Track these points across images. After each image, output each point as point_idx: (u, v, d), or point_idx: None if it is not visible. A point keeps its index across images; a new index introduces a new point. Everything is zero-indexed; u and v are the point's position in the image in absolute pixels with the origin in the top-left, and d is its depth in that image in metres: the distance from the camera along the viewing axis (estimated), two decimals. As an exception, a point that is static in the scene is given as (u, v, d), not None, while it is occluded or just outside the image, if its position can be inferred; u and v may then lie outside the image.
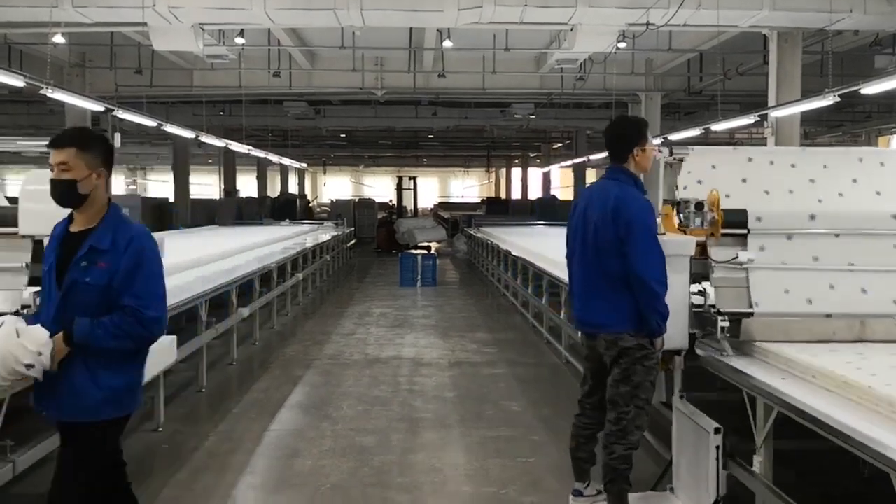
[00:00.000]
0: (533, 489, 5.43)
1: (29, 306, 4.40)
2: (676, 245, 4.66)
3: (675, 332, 4.53)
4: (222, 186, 32.11)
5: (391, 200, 34.93)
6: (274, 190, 40.49)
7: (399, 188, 32.20)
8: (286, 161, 31.28)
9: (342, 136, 35.69)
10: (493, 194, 52.39)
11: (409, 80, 18.10)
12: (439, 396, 7.93)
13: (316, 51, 17.76)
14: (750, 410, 4.24)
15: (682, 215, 4.98)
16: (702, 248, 4.84)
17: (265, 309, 11.41)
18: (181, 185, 26.70)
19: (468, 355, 10.00)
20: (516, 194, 47.77)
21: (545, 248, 12.76)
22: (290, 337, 11.31)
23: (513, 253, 13.71)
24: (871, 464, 3.17)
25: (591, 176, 44.04)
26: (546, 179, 43.94)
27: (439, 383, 8.49)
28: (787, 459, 4.45)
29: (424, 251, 21.12)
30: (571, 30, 12.16)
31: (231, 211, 27.42)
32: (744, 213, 4.91)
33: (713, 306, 4.74)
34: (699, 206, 4.86)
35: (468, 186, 58.36)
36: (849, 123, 27.27)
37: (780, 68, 12.79)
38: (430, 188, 55.42)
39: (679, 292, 4.55)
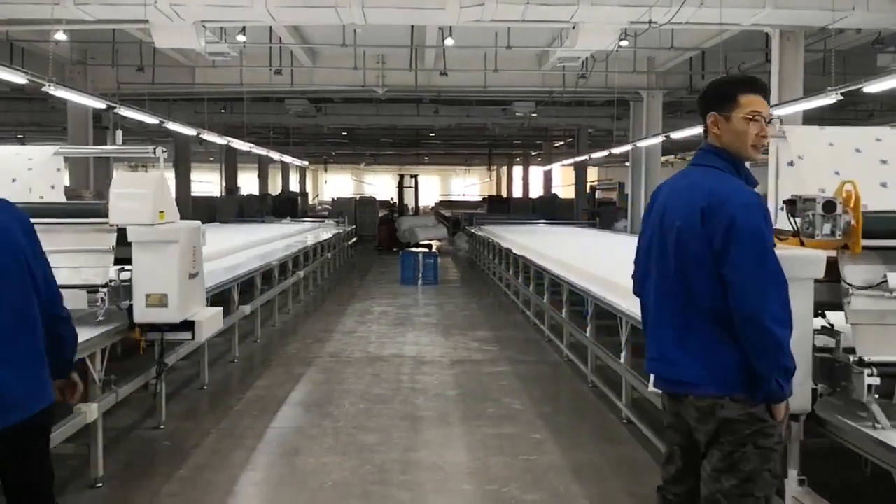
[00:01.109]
0: (535, 487, 5.42)
1: (114, 280, 5.62)
2: (798, 263, 3.36)
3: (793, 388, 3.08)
4: (223, 184, 32.12)
5: (392, 198, 34.93)
6: (275, 188, 40.51)
7: (400, 186, 32.21)
8: (287, 159, 31.28)
9: (343, 133, 35.69)
10: (494, 193, 52.39)
11: (411, 78, 18.10)
12: (441, 394, 7.93)
13: (317, 48, 17.76)
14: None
15: (799, 219, 3.69)
16: (831, 267, 3.55)
17: (267, 306, 11.41)
18: (182, 182, 26.72)
19: (469, 353, 10.00)
20: (517, 193, 47.78)
21: (546, 246, 12.79)
22: (292, 334, 11.31)
23: (514, 251, 13.72)
24: None
25: (593, 174, 44.13)
26: (547, 178, 43.94)
27: (441, 381, 8.48)
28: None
29: (425, 249, 21.09)
30: (573, 28, 12.14)
31: (232, 208, 27.44)
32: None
33: (850, 351, 3.51)
34: (829, 205, 3.50)
35: (469, 185, 58.41)
36: (851, 122, 27.20)
37: (782, 67, 12.78)
38: (432, 186, 55.43)
39: (799, 330, 3.13)
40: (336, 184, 56.99)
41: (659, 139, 18.66)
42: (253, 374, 8.82)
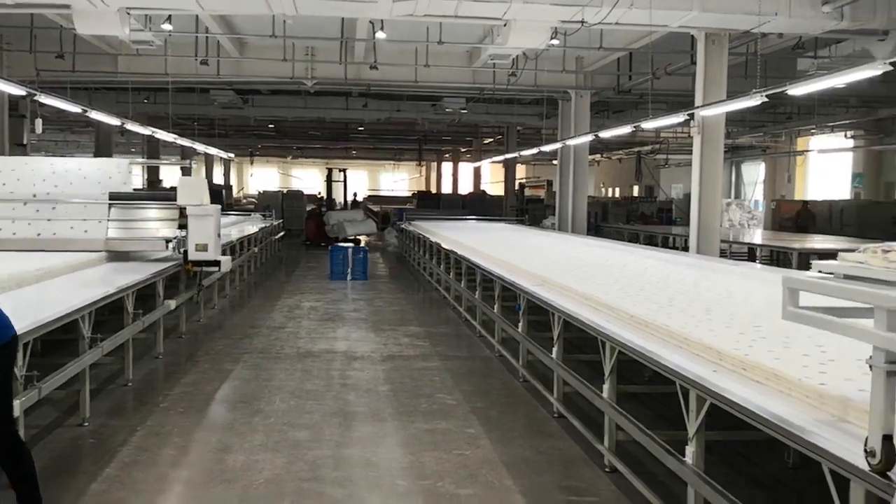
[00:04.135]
0: (469, 482, 5.43)
1: (177, 237, 9.50)
2: None
3: None
4: (145, 176, 31.33)
5: (320, 192, 34.62)
6: (199, 180, 39.62)
7: (329, 180, 31.93)
8: (212, 151, 30.66)
9: (270, 126, 35.26)
10: (423, 188, 52.40)
11: (341, 70, 17.97)
12: (373, 390, 7.89)
13: (245, 39, 17.46)
14: (683, 403, 4.31)
15: None
16: None
17: (192, 301, 11.18)
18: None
19: (401, 349, 9.97)
20: (447, 189, 47.90)
21: (477, 242, 12.86)
22: (218, 330, 11.11)
23: (444, 246, 13.74)
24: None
25: (522, 172, 44.56)
26: (477, 174, 44.20)
27: (373, 377, 8.44)
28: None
29: (354, 244, 20.96)
30: (505, 25, 12.21)
31: (155, 201, 26.68)
32: None
33: None
34: None
35: (398, 180, 58.31)
36: (770, 124, 28.08)
37: (707, 69, 13.08)
38: (360, 181, 55.11)
39: None
40: (262, 177, 56.24)
41: (587, 138, 18.95)
42: (179, 370, 8.62)
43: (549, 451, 6.10)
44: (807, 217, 23.71)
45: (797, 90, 9.29)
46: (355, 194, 38.20)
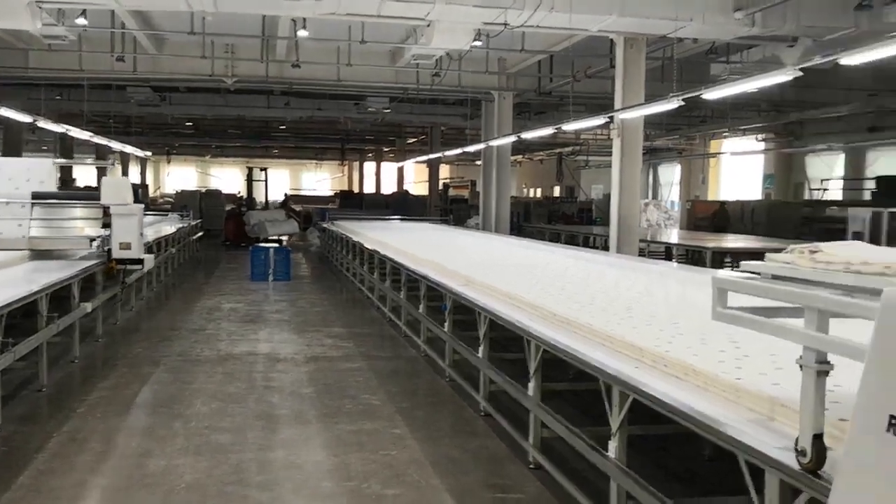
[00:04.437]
0: (396, 482, 5.44)
1: (101, 236, 9.77)
2: None
3: None
4: (58, 175, 30.29)
5: (240, 192, 34.07)
6: (115, 179, 38.55)
7: (249, 179, 31.44)
8: (128, 149, 29.90)
9: (189, 124, 34.54)
10: (346, 188, 52.09)
11: (262, 68, 17.75)
12: (296, 392, 7.81)
13: (163, 35, 17.07)
14: (606, 399, 4.40)
15: None
16: None
17: (109, 304, 10.89)
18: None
19: (325, 350, 9.90)
20: (370, 188, 47.72)
21: (401, 242, 12.85)
22: (136, 333, 10.84)
23: (367, 246, 13.70)
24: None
25: (445, 172, 44.69)
26: (400, 174, 44.17)
27: (296, 379, 8.36)
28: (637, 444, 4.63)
29: (276, 244, 20.70)
30: (429, 25, 12.25)
31: (68, 201, 25.84)
32: None
33: None
34: None
35: (321, 179, 57.82)
36: (685, 127, 28.86)
37: (625, 72, 13.37)
38: (282, 180, 54.45)
39: None
40: (180, 176, 55.06)
41: (510, 139, 19.15)
42: (96, 374, 8.39)
43: (476, 450, 6.15)
44: (723, 217, 24.44)
45: (712, 94, 9.58)
46: (286, 195, 37.79)
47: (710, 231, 22.01)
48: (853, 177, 26.34)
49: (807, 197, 27.49)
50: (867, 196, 23.29)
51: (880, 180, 22.75)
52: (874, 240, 14.57)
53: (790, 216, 22.53)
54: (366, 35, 15.08)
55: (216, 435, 6.35)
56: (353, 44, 15.75)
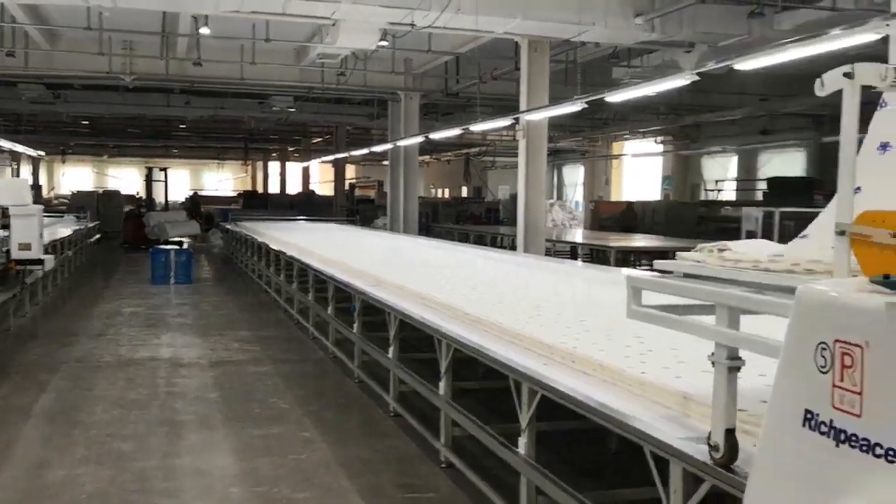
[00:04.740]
0: (305, 485, 5.38)
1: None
2: None
3: None
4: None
5: (139, 193, 33.12)
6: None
7: (149, 180, 30.59)
8: (19, 148, 28.59)
9: (85, 122, 33.37)
10: (250, 188, 51.15)
11: (162, 66, 17.30)
12: (201, 397, 7.64)
13: (57, 30, 16.41)
14: (516, 396, 4.45)
15: None
16: None
17: (2, 309, 10.44)
18: None
19: (230, 354, 9.71)
20: (274, 188, 47.02)
21: (308, 243, 12.73)
22: (31, 339, 10.42)
23: (273, 248, 13.51)
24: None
25: (352, 172, 44.43)
26: (306, 174, 43.71)
27: (201, 384, 8.17)
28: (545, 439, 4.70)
29: (177, 246, 20.18)
30: (334, 24, 12.18)
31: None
32: None
33: None
34: None
35: (223, 179, 56.65)
36: (588, 129, 29.50)
37: (530, 74, 13.58)
38: (182, 180, 53.10)
39: None
40: (76, 176, 53.06)
41: (417, 139, 19.19)
42: (-13, 383, 8.02)
43: (386, 451, 6.14)
44: (631, 217, 25.09)
45: (614, 97, 9.83)
46: (196, 194, 36.88)
47: (618, 231, 22.55)
48: (746, 178, 27.45)
49: (703, 197, 28.50)
50: (759, 196, 24.30)
51: (771, 181, 23.78)
52: (766, 238, 15.19)
53: (687, 216, 23.32)
54: (270, 33, 14.87)
55: (118, 443, 6.16)
56: (257, 42, 15.50)
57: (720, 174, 28.88)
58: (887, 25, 6.99)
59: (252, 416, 7.04)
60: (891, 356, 1.78)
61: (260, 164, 52.94)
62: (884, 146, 2.72)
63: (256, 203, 35.20)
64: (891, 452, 1.77)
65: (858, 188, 2.32)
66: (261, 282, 15.58)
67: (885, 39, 7.72)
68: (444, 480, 5.48)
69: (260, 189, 48.93)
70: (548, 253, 15.53)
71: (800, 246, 2.95)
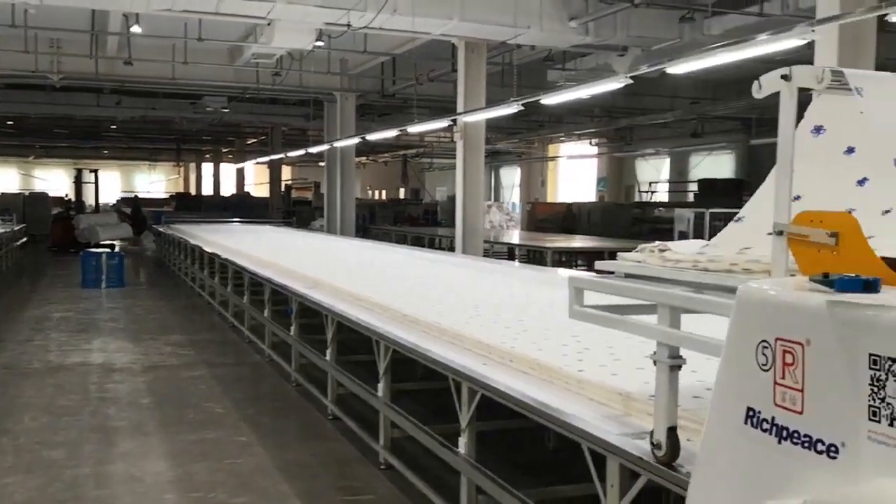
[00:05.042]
0: (243, 490, 5.30)
1: None
2: None
3: None
4: None
5: (67, 195, 32.29)
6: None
7: (78, 181, 29.83)
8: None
9: (9, 122, 32.41)
10: (182, 190, 50.23)
11: (91, 65, 16.89)
12: (134, 403, 7.48)
13: (-21, 27, 15.90)
14: (456, 396, 4.46)
15: None
16: None
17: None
18: None
19: (163, 358, 9.52)
20: (208, 190, 46.29)
21: (243, 245, 12.57)
22: (-47, 346, 10.06)
23: (207, 250, 13.30)
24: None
25: (287, 173, 43.93)
26: (240, 176, 43.14)
27: (133, 389, 8.00)
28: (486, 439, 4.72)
29: (108, 249, 19.69)
30: (269, 24, 12.06)
31: None
32: None
33: None
34: None
35: (155, 181, 55.52)
36: (524, 131, 29.74)
37: (467, 76, 13.63)
38: (113, 182, 51.89)
39: None
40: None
41: (354, 140, 19.11)
42: None
43: (325, 454, 6.09)
44: (571, 218, 25.38)
45: (549, 100, 9.94)
46: (136, 196, 36.06)
47: (558, 232, 22.79)
48: (678, 180, 28.03)
49: (637, 199, 29.01)
50: (690, 198, 24.83)
51: (702, 183, 24.34)
52: (698, 238, 15.52)
53: (622, 217, 23.71)
54: (203, 33, 14.64)
55: (49, 450, 5.99)
56: (189, 41, 15.24)
57: (653, 176, 29.45)
58: (813, 31, 7.21)
59: (187, 420, 6.92)
60: (831, 353, 1.80)
61: (193, 165, 52.03)
62: (817, 129, 2.79)
63: (190, 205, 34.66)
64: (832, 448, 1.79)
65: (798, 197, 2.36)
66: (194, 285, 15.33)
67: (811, 44, 7.97)
68: (384, 482, 5.46)
69: (193, 191, 48.12)
70: (486, 254, 15.62)
71: (737, 230, 2.98)
